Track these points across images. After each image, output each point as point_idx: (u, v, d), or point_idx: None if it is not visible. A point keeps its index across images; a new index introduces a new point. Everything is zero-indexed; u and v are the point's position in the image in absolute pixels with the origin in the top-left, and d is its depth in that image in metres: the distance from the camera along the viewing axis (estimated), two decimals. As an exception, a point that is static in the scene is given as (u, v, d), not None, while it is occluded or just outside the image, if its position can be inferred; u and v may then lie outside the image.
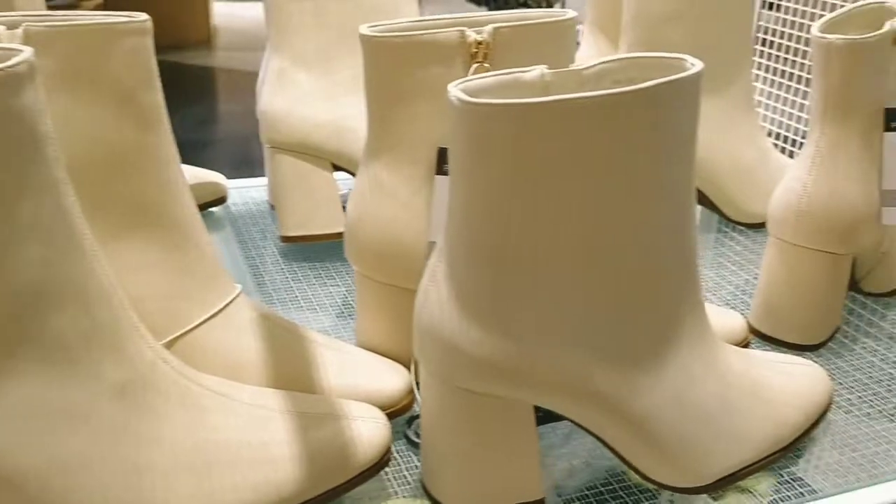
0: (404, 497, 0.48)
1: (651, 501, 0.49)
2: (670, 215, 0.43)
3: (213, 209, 0.85)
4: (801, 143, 1.03)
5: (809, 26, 0.70)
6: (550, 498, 0.49)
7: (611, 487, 0.50)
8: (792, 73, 1.07)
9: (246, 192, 0.91)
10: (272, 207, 0.84)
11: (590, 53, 0.87)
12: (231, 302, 0.53)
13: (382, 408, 0.50)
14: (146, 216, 0.51)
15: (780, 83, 1.09)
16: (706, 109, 0.80)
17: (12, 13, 0.47)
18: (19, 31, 0.45)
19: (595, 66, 0.44)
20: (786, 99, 1.08)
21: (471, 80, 0.42)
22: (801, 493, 0.50)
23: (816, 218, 0.61)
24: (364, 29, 0.52)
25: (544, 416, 0.46)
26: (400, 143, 0.53)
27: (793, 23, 1.06)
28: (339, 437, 0.45)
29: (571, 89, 0.44)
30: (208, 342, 0.51)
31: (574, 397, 0.43)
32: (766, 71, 1.11)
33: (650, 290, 0.44)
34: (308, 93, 0.74)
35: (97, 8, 2.98)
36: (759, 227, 0.79)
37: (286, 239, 0.76)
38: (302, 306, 0.69)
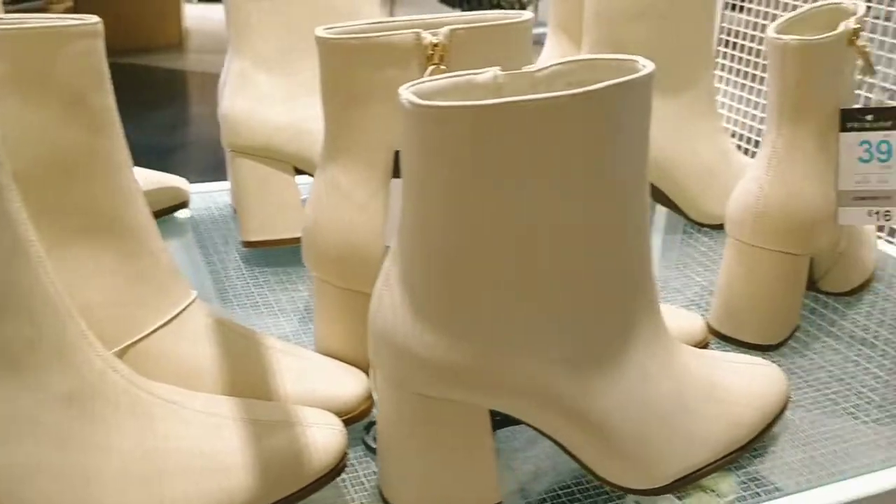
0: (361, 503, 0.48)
1: (617, 502, 0.49)
2: (623, 216, 0.43)
3: (176, 214, 0.84)
4: (765, 144, 1.04)
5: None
6: (516, 501, 0.49)
7: (576, 489, 0.50)
8: (755, 75, 1.08)
9: (209, 196, 0.90)
10: (235, 212, 0.84)
11: (552, 55, 0.87)
12: (185, 308, 0.52)
13: (340, 413, 0.49)
14: (97, 222, 0.50)
15: (743, 84, 1.10)
16: (667, 109, 0.81)
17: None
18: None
19: (548, 68, 0.44)
20: (748, 100, 1.09)
21: (423, 82, 0.42)
22: (761, 493, 0.50)
23: (774, 219, 0.61)
24: (320, 31, 0.52)
25: (501, 421, 0.46)
26: (356, 145, 0.53)
27: (756, 24, 1.07)
28: (293, 444, 0.44)
29: (524, 91, 0.43)
30: (162, 349, 0.50)
31: (529, 400, 0.43)
32: (730, 72, 1.12)
33: (605, 292, 0.44)
34: (268, 94, 0.73)
35: (67, 11, 2.95)
36: (723, 228, 0.79)
37: (248, 244, 0.75)
38: (264, 312, 0.69)
